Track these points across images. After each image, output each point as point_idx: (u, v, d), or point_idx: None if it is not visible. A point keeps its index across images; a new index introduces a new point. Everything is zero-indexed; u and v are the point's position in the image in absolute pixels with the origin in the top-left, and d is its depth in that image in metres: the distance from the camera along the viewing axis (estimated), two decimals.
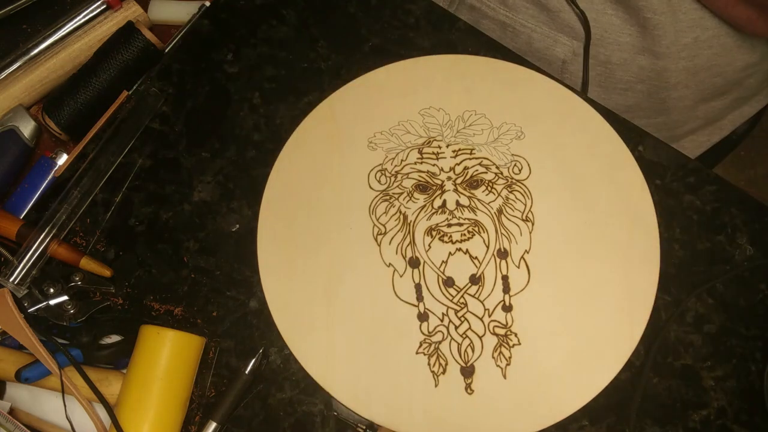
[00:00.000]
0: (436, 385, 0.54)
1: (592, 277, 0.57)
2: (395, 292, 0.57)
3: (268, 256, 0.58)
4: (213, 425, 0.53)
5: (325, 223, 0.59)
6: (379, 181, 0.60)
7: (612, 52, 0.68)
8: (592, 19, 0.66)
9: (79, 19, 0.66)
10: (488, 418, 0.53)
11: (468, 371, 0.55)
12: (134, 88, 0.65)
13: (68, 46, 0.65)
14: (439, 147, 0.61)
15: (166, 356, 0.52)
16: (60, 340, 0.54)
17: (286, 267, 0.58)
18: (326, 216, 0.59)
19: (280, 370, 0.56)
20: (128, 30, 0.64)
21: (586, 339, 0.55)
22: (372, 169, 0.61)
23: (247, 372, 0.54)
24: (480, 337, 0.55)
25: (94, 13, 0.67)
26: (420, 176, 0.60)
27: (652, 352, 0.56)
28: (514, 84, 0.63)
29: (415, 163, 0.61)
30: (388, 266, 0.58)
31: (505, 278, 0.57)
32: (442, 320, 0.56)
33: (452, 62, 0.64)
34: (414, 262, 0.58)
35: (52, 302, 0.55)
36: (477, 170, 0.60)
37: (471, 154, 0.61)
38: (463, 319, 0.56)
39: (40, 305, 0.55)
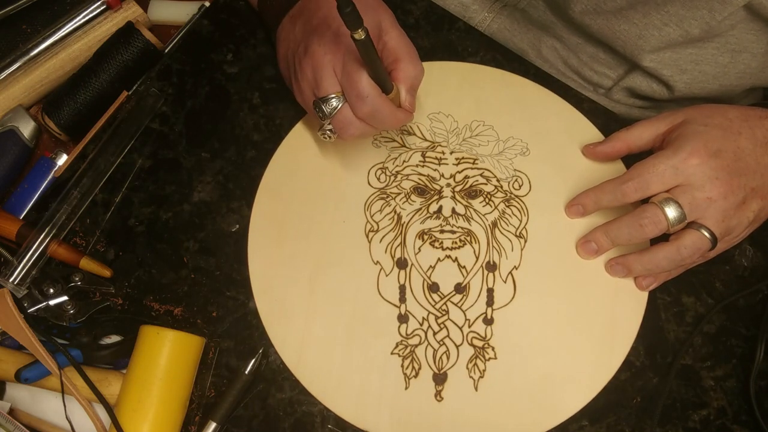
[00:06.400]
0: (406, 388, 0.54)
1: (578, 302, 0.56)
2: (379, 291, 0.57)
3: (258, 236, 0.58)
4: (213, 425, 0.53)
5: (319, 211, 0.59)
6: (378, 179, 0.60)
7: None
8: None
9: (79, 20, 0.66)
10: (453, 427, 0.53)
11: (440, 378, 0.54)
12: (134, 88, 0.65)
13: (68, 47, 0.65)
14: (443, 153, 0.61)
15: (166, 356, 0.52)
16: (60, 341, 0.54)
17: (274, 248, 0.58)
18: (321, 205, 0.59)
19: (280, 370, 0.56)
20: (128, 30, 0.64)
21: (563, 363, 0.55)
22: (373, 166, 0.61)
23: (246, 372, 0.54)
24: (457, 347, 0.55)
25: (94, 13, 0.67)
26: (420, 179, 0.60)
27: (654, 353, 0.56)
28: (527, 100, 0.63)
29: (417, 166, 0.61)
30: (376, 264, 0.58)
31: (490, 291, 0.57)
32: (421, 324, 0.56)
33: (468, 71, 0.64)
34: (402, 263, 0.58)
35: (52, 302, 0.55)
36: (477, 180, 0.60)
37: (474, 164, 0.61)
38: (442, 326, 0.56)
39: (40, 305, 0.55)
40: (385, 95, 0.51)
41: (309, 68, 0.53)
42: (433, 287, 0.57)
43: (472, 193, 0.60)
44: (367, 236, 0.58)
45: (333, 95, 0.52)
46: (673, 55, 0.61)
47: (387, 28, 0.53)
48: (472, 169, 0.61)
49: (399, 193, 0.60)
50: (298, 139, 0.62)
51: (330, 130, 0.54)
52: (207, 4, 0.68)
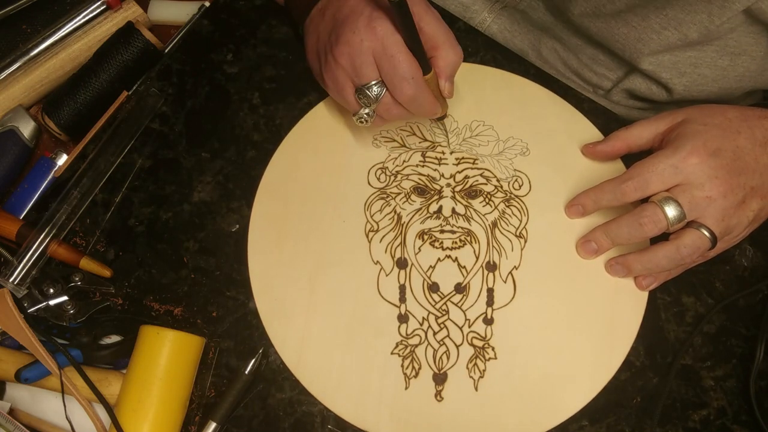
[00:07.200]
0: (406, 388, 0.54)
1: (578, 302, 0.56)
2: (379, 291, 0.57)
3: (258, 236, 0.58)
4: (213, 425, 0.53)
5: (319, 211, 0.59)
6: (378, 179, 0.60)
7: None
8: None
9: (79, 20, 0.66)
10: (453, 427, 0.53)
11: (440, 378, 0.54)
12: (134, 88, 0.65)
13: (68, 47, 0.65)
14: (443, 153, 0.61)
15: (166, 356, 0.52)
16: (60, 341, 0.54)
17: (274, 248, 0.58)
18: (321, 204, 0.59)
19: (280, 370, 0.56)
20: (128, 30, 0.64)
21: (563, 363, 0.55)
22: (373, 166, 0.61)
23: (246, 372, 0.54)
24: (457, 347, 0.55)
25: (94, 13, 0.67)
26: (420, 179, 0.60)
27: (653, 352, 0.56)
28: (527, 100, 0.63)
29: (417, 166, 0.61)
30: (376, 264, 0.58)
31: (490, 291, 0.57)
32: (421, 324, 0.56)
33: (467, 71, 0.64)
34: (402, 263, 0.58)
35: (52, 302, 0.55)
36: (477, 180, 0.60)
37: (474, 164, 0.61)
38: (442, 326, 0.56)
39: (40, 305, 0.55)
40: (425, 82, 0.52)
41: (345, 57, 0.53)
42: (434, 287, 0.57)
43: (472, 193, 0.60)
44: (367, 236, 0.58)
45: (374, 81, 0.52)
46: (672, 58, 0.61)
47: (420, 13, 0.52)
48: (472, 168, 0.61)
49: (399, 193, 0.60)
50: (298, 139, 0.62)
51: (367, 114, 0.54)
52: (207, 4, 0.68)
